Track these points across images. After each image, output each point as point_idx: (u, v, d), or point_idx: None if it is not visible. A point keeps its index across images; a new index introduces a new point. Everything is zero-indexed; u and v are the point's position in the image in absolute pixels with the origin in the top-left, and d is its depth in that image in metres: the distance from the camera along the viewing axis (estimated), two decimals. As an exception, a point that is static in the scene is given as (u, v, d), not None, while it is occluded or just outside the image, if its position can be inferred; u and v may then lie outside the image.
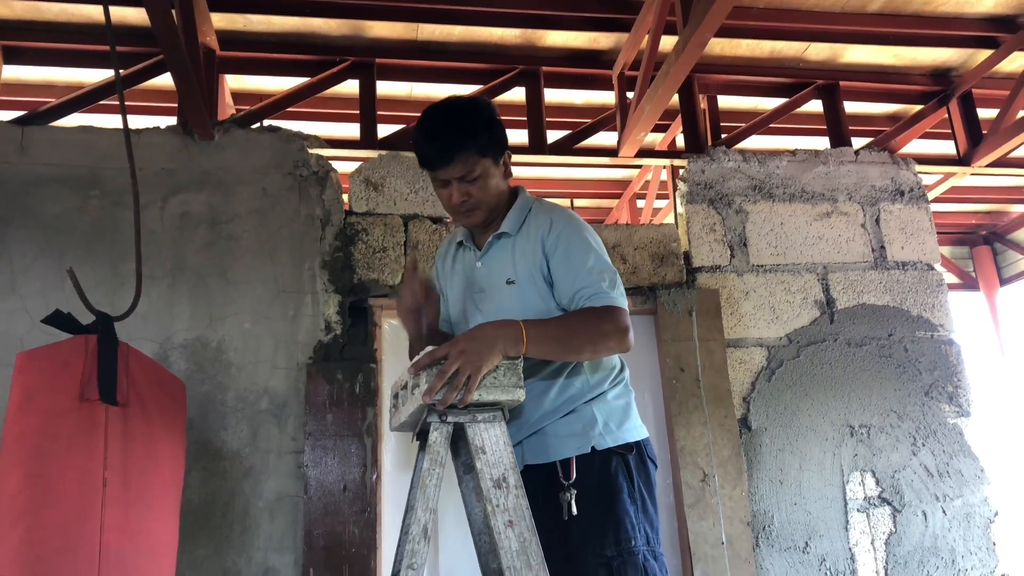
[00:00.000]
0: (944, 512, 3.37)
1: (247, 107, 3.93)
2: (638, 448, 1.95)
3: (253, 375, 3.26)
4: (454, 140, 1.89)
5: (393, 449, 3.40)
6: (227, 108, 3.94)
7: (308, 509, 3.14)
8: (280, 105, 3.85)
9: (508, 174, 2.03)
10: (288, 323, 3.35)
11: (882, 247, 3.82)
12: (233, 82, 4.07)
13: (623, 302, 1.88)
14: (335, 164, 3.65)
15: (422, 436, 1.87)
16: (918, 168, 4.13)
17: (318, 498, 3.16)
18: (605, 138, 4.30)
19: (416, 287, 1.96)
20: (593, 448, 1.89)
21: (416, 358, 1.72)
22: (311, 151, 3.58)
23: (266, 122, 3.73)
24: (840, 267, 3.75)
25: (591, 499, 1.85)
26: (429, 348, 1.73)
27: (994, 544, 3.36)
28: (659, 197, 5.27)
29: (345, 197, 3.64)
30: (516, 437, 1.87)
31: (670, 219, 4.55)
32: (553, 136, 4.15)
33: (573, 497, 1.85)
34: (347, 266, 3.45)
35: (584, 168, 4.95)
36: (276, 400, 3.25)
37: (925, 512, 3.37)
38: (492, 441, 1.77)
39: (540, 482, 1.87)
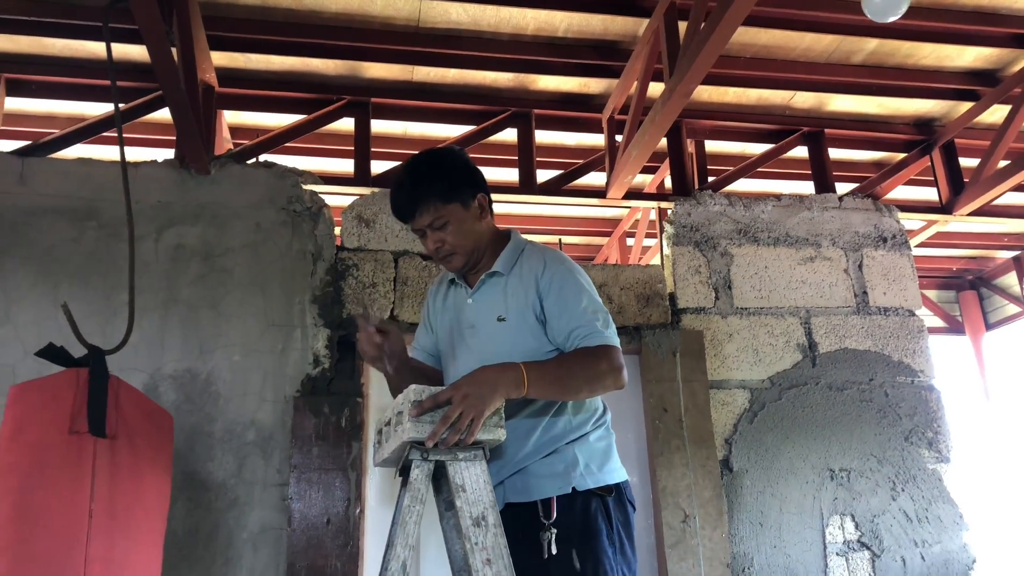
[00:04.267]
0: (923, 558, 3.40)
1: (244, 142, 4.01)
2: (618, 490, 1.99)
3: (241, 407, 3.29)
4: (415, 191, 1.97)
5: (377, 484, 3.42)
6: (224, 142, 4.02)
7: (291, 542, 3.15)
8: (276, 141, 3.93)
9: (485, 215, 2.08)
10: (277, 356, 3.39)
11: (864, 292, 3.89)
12: (231, 117, 4.15)
13: (616, 341, 1.95)
14: (328, 199, 3.72)
15: (404, 472, 1.91)
16: (901, 215, 4.22)
17: (301, 531, 3.18)
18: (595, 178, 4.39)
19: (369, 336, 1.98)
20: (574, 489, 1.92)
21: (411, 396, 1.76)
22: (305, 187, 3.65)
23: (262, 157, 3.80)
24: (823, 311, 3.81)
25: (570, 539, 1.88)
26: (426, 388, 1.77)
27: (971, 590, 3.39)
28: (648, 236, 5.34)
29: (337, 231, 3.70)
30: (498, 476, 1.91)
31: (656, 260, 4.62)
32: (544, 176, 4.23)
33: (553, 536, 1.88)
34: (337, 301, 3.50)
35: (574, 207, 5.03)
36: (263, 432, 3.28)
37: (904, 558, 3.39)
38: (472, 479, 1.81)
39: (521, 521, 1.90)
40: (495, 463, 1.89)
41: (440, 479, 1.86)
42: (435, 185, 1.98)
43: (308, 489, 3.23)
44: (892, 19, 3.04)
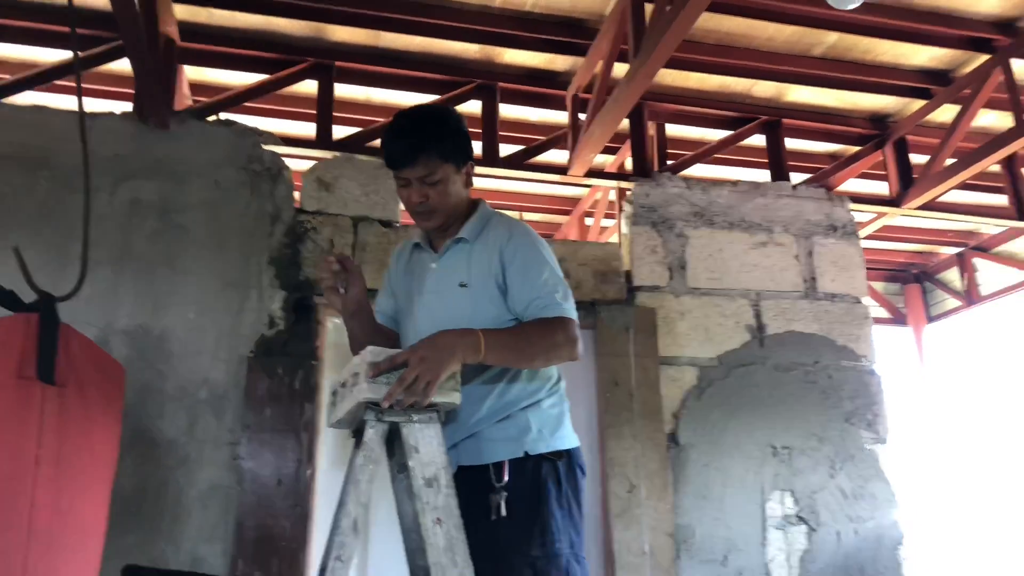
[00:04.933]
0: (856, 533, 3.54)
1: (204, 99, 3.94)
2: (569, 456, 2.03)
3: (194, 365, 3.27)
4: (419, 141, 1.97)
5: (329, 446, 3.44)
6: (184, 99, 3.95)
7: (241, 501, 3.15)
8: (238, 100, 3.87)
9: (469, 184, 2.12)
10: (232, 316, 3.36)
11: (813, 278, 3.99)
12: (192, 73, 4.08)
13: (574, 314, 1.99)
14: (289, 162, 3.69)
15: (358, 434, 1.93)
16: (852, 206, 4.33)
17: (252, 491, 3.18)
18: (557, 156, 4.42)
19: (328, 263, 2.00)
20: (526, 453, 1.96)
21: (368, 357, 1.78)
22: (266, 147, 3.61)
23: (223, 116, 3.75)
24: (772, 295, 3.91)
25: (521, 502, 1.92)
26: (383, 350, 1.79)
27: (900, 564, 3.53)
28: (607, 216, 5.40)
29: (297, 195, 3.68)
30: (452, 439, 1.94)
31: (614, 239, 4.68)
32: (506, 150, 4.25)
33: (503, 499, 1.92)
34: (294, 263, 3.48)
35: (535, 183, 5.06)
36: (216, 391, 3.27)
37: (839, 532, 3.53)
38: (426, 441, 1.84)
39: (472, 484, 1.93)
40: (449, 426, 1.92)
41: (393, 441, 1.89)
42: (441, 141, 1.99)
43: (260, 449, 3.23)
44: (852, 7, 3.11)
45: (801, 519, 3.51)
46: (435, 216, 2.06)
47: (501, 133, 4.20)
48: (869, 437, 3.74)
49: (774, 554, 3.42)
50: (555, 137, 4.30)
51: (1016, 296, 6.14)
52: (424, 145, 1.97)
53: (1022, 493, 5.78)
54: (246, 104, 3.97)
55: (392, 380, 1.77)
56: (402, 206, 3.70)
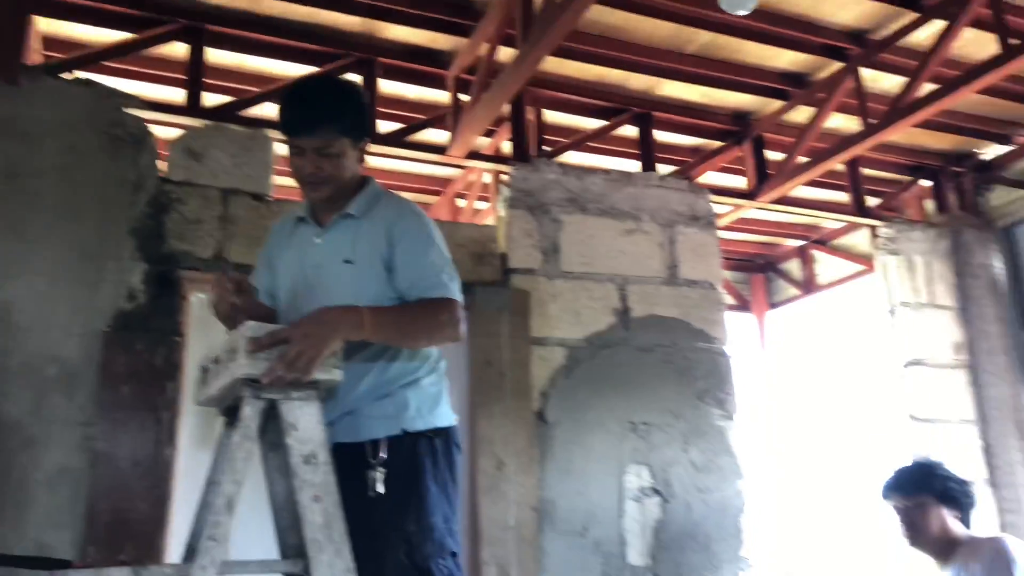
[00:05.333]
0: (705, 504, 3.80)
1: (60, 55, 3.68)
2: (446, 433, 2.08)
3: (43, 340, 3.07)
4: (322, 111, 1.96)
5: (191, 426, 3.32)
6: (35, 53, 3.66)
7: (93, 484, 3.01)
8: (99, 58, 3.65)
9: (362, 160, 2.11)
10: (88, 288, 3.19)
11: (675, 265, 4.22)
12: (45, 26, 3.79)
13: (459, 296, 2.03)
14: (155, 129, 3.51)
15: (230, 412, 1.90)
16: (712, 198, 4.59)
17: (106, 473, 3.04)
18: (435, 136, 4.43)
19: (225, 293, 1.95)
20: (404, 431, 2.00)
21: (247, 332, 1.75)
22: (129, 111, 3.42)
23: (81, 74, 3.51)
24: (638, 280, 4.10)
25: (398, 478, 1.96)
26: (263, 326, 1.76)
27: (741, 531, 3.83)
28: (480, 199, 5.46)
29: (163, 164, 3.51)
30: (328, 416, 1.94)
31: (488, 221, 4.75)
32: (384, 128, 4.22)
33: (380, 476, 1.95)
34: (157, 235, 3.34)
35: (409, 163, 5.05)
36: (67, 368, 3.09)
37: (690, 503, 3.78)
38: (305, 419, 1.84)
39: (348, 461, 1.94)
40: (326, 404, 1.92)
41: (267, 421, 1.87)
42: (344, 114, 1.97)
43: (115, 430, 3.09)
44: (743, 13, 3.28)
45: (656, 491, 3.74)
46: (325, 188, 2.04)
47: (379, 110, 4.16)
48: (719, 414, 4.01)
49: (630, 524, 3.63)
50: (434, 117, 4.30)
51: (850, 286, 6.69)
52: (326, 116, 1.96)
53: (851, 465, 6.35)
54: (109, 64, 3.74)
55: (272, 357, 1.75)
56: (276, 179, 3.63)
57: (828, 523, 6.57)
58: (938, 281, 5.40)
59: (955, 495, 2.73)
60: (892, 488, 2.80)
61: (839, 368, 6.68)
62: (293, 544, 1.88)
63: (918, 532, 2.72)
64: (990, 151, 5.52)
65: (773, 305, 7.47)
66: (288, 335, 1.76)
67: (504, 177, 4.19)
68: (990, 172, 5.61)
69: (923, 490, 2.74)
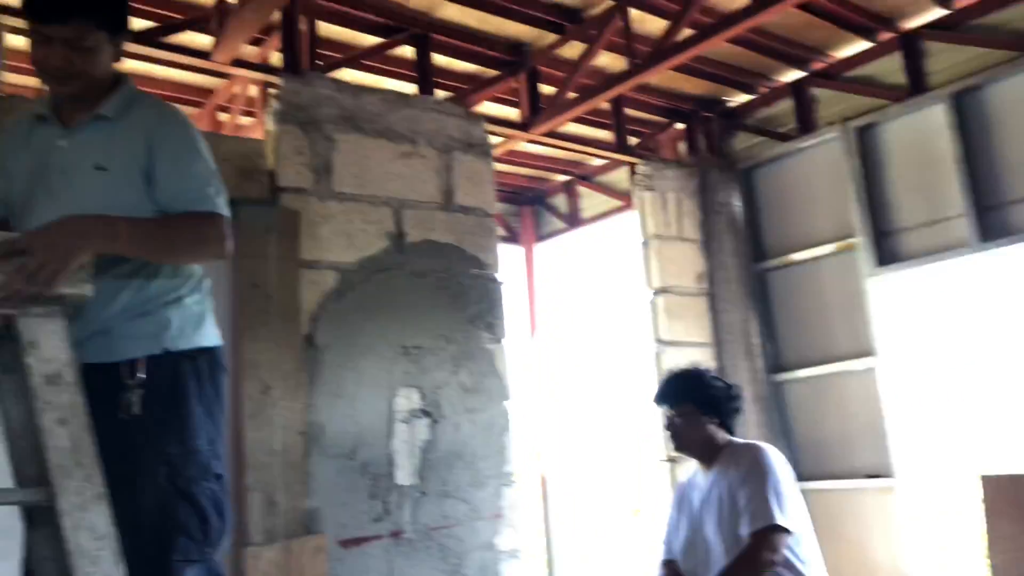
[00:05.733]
0: (472, 423, 3.96)
1: None
2: (211, 354, 1.99)
3: None
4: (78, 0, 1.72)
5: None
6: None
7: None
8: None
9: (118, 59, 1.90)
10: None
11: (450, 191, 4.25)
12: None
13: (226, 211, 1.91)
14: None
15: (-45, 331, 1.67)
16: (487, 127, 4.65)
17: None
18: (197, 39, 4.06)
19: None
20: (165, 350, 1.88)
21: None
22: None
23: None
24: (413, 204, 4.09)
25: (158, 399, 1.85)
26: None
27: (506, 448, 4.04)
28: (245, 113, 5.15)
29: None
30: (77, 336, 1.77)
31: (258, 138, 4.48)
32: (137, 25, 3.80)
33: (138, 397, 1.83)
34: None
35: (165, 67, 4.61)
36: None
37: (457, 423, 3.91)
38: (48, 336, 1.66)
39: (102, 382, 1.80)
40: (75, 322, 1.75)
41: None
42: (102, 8, 1.77)
43: None
44: None
45: (425, 412, 3.82)
46: (74, 83, 1.82)
47: (130, 4, 3.74)
48: (488, 338, 4.15)
49: (399, 446, 3.70)
50: (198, 18, 3.94)
51: (611, 221, 7.15)
52: (83, 5, 1.73)
53: (609, 384, 6.89)
54: None
55: (8, 269, 1.57)
56: (8, 75, 3.16)
57: (591, 438, 7.12)
58: (686, 216, 5.91)
59: (718, 403, 2.91)
60: (659, 397, 2.97)
61: (601, 297, 7.16)
62: (32, 476, 1.71)
63: (682, 438, 2.93)
64: (736, 99, 6.07)
65: (541, 238, 7.80)
66: (29, 244, 1.58)
67: (273, 91, 3.95)
68: (735, 119, 6.18)
69: (686, 398, 2.92)
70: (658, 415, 2.99)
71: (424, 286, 4.00)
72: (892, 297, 5.43)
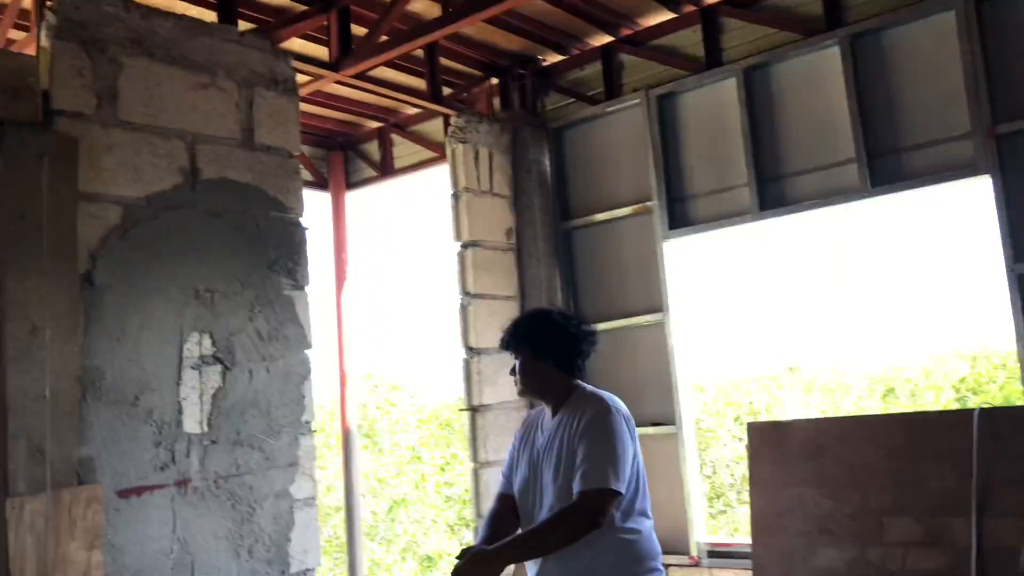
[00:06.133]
0: (268, 371, 3.83)
1: None
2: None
3: None
4: None
5: None
6: None
7: None
8: None
9: None
10: None
11: (251, 129, 4.03)
12: None
13: None
14: None
15: None
16: (294, 63, 4.44)
17: None
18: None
19: None
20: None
21: None
22: None
23: None
24: (210, 140, 3.84)
25: None
26: None
27: (303, 397, 3.96)
28: (17, 27, 4.63)
29: None
30: None
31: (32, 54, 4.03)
32: None
33: None
34: None
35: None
36: None
37: (252, 370, 3.77)
38: None
39: None
40: None
41: None
42: None
43: None
44: None
45: (218, 359, 3.66)
46: None
47: None
48: (289, 284, 4.01)
49: (187, 392, 3.52)
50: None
51: (426, 173, 7.12)
52: None
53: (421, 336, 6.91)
54: None
55: None
56: None
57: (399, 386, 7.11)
58: (497, 172, 6.01)
59: (556, 347, 2.86)
60: (505, 342, 2.93)
61: (412, 248, 7.14)
62: None
63: (521, 383, 2.92)
64: (550, 59, 6.19)
65: (352, 185, 7.63)
66: None
67: (49, 3, 3.55)
68: (548, 78, 6.31)
69: (523, 343, 2.91)
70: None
71: (220, 227, 3.79)
72: (682, 258, 5.83)
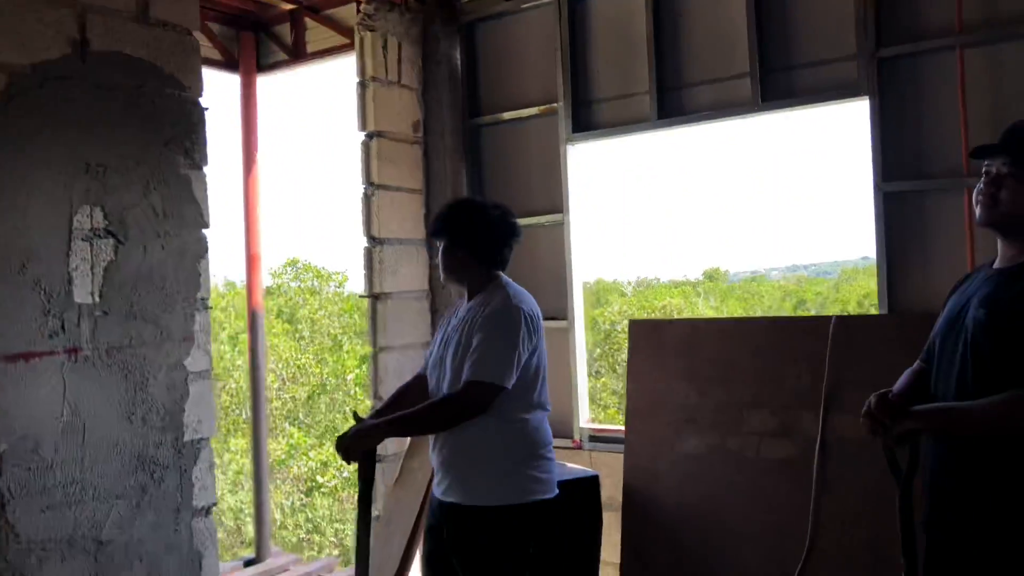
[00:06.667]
0: (163, 248, 3.88)
1: None
2: None
3: None
4: None
5: None
6: None
7: None
8: None
9: None
10: None
11: (146, 2, 3.94)
12: None
13: None
14: None
15: None
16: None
17: None
18: None
19: None
20: None
21: None
22: None
23: None
24: (102, 10, 3.74)
25: None
26: None
27: (200, 275, 4.04)
28: None
29: None
30: None
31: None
32: None
33: None
34: None
35: None
36: None
37: (146, 247, 3.82)
38: None
39: None
40: None
41: None
42: None
43: None
44: None
45: (110, 233, 3.69)
46: None
47: None
48: (185, 163, 4.02)
49: (78, 263, 3.56)
50: None
51: (337, 60, 7.01)
52: None
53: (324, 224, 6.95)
54: None
55: None
56: None
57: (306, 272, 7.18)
58: (406, 63, 6.00)
59: (472, 237, 2.98)
60: (430, 231, 3.10)
61: (322, 134, 7.10)
62: None
63: (442, 268, 3.07)
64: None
65: (263, 68, 7.45)
66: None
67: None
68: (461, -30, 6.24)
69: (443, 232, 3.04)
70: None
71: (112, 102, 3.75)
72: (583, 161, 6.00)
